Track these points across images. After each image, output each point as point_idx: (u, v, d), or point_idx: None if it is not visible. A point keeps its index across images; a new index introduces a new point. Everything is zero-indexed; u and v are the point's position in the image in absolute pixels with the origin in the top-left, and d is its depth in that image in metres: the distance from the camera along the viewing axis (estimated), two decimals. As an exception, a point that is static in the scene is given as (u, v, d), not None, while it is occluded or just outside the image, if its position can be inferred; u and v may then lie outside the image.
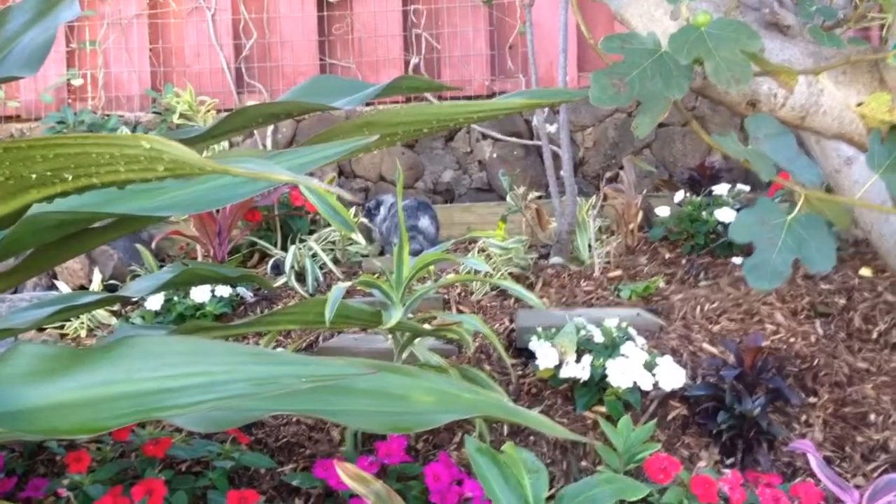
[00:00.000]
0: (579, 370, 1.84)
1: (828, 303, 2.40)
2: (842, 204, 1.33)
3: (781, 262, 1.21)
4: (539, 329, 1.99)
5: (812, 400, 2.03)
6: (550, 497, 1.44)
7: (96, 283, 3.04)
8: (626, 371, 1.80)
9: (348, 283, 1.78)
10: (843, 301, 2.40)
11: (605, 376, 1.82)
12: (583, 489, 1.41)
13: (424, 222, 3.09)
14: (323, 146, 0.97)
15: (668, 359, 1.87)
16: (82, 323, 2.84)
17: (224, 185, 0.99)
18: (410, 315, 2.07)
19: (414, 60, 4.41)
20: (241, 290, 2.82)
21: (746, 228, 1.23)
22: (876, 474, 1.83)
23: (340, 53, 4.51)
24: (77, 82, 4.57)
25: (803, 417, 1.97)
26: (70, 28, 4.61)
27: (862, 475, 1.84)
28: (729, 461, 1.84)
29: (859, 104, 1.26)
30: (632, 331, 1.97)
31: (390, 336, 1.96)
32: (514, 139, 4.21)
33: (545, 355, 1.87)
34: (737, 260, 2.74)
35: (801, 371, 2.11)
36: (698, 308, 2.38)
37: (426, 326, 1.92)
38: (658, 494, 1.51)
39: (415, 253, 2.60)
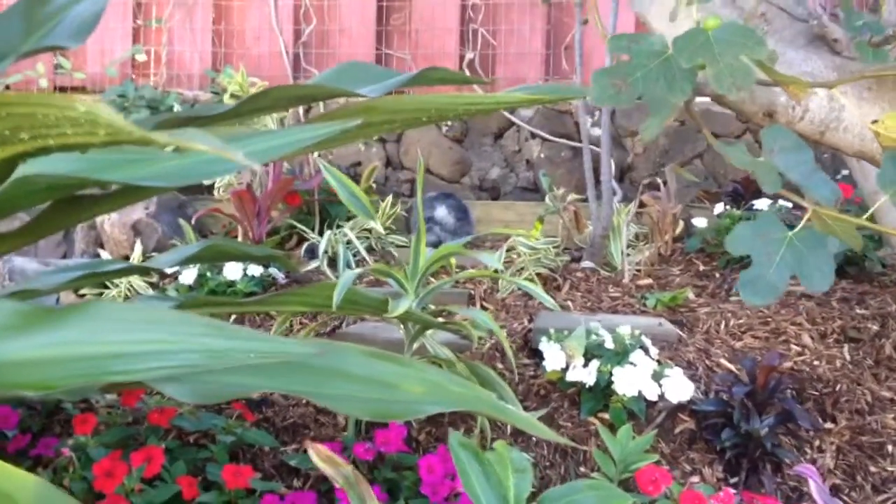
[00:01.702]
0: (586, 375, 1.82)
1: (860, 328, 2.33)
2: (854, 224, 1.29)
3: (778, 277, 1.18)
4: (552, 331, 1.98)
5: (829, 426, 1.98)
6: (534, 498, 1.43)
7: (137, 254, 3.11)
8: (632, 379, 1.77)
9: (359, 270, 1.79)
10: (876, 327, 2.33)
11: (611, 383, 1.80)
12: (566, 493, 1.39)
13: (441, 212, 3.07)
14: (300, 128, 0.98)
15: (677, 371, 1.84)
16: (120, 291, 2.92)
17: (214, 160, 1.00)
18: (425, 307, 2.07)
19: (469, 56, 4.41)
20: (273, 270, 2.86)
21: (744, 241, 1.20)
22: (886, 506, 1.78)
23: (397, 44, 4.53)
24: (141, 58, 4.68)
25: (817, 442, 1.91)
26: (138, 4, 4.72)
27: (872, 506, 1.79)
28: (733, 480, 1.80)
29: (874, 121, 1.22)
30: (645, 340, 1.95)
31: (401, 326, 1.97)
32: (563, 140, 4.18)
33: (553, 357, 1.86)
34: (772, 277, 2.67)
35: (822, 395, 2.06)
36: (723, 323, 2.33)
37: (439, 320, 1.92)
38: (647, 506, 1.49)
39: (432, 244, 2.60)
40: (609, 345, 1.87)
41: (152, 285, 2.98)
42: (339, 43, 4.55)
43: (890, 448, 1.93)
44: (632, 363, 1.81)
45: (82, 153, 0.73)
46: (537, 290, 1.97)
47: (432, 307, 2.29)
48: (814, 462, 1.86)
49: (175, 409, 1.74)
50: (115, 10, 4.72)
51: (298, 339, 2.12)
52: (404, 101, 1.21)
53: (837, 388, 2.07)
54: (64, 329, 0.80)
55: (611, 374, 1.80)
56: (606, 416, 1.86)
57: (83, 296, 2.95)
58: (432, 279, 2.35)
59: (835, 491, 1.82)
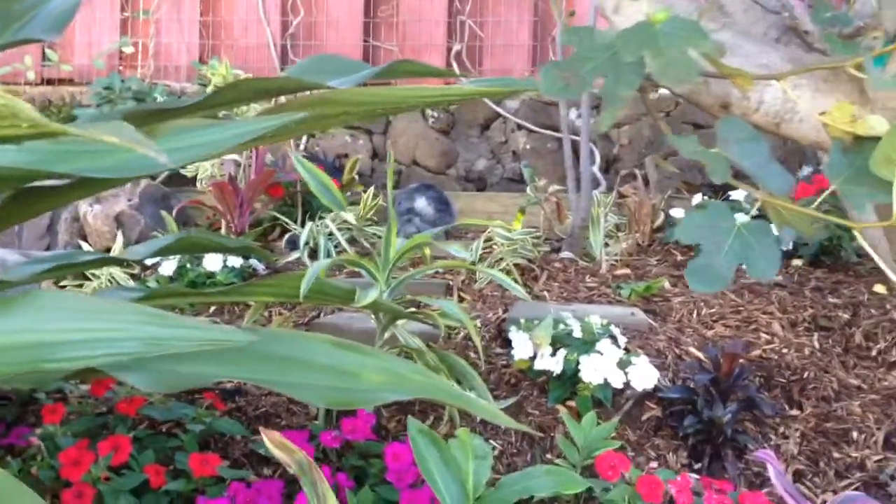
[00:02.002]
0: (553, 363, 1.84)
1: (831, 317, 2.36)
2: (807, 215, 1.31)
3: (725, 266, 1.20)
4: (522, 320, 2.00)
5: (794, 412, 2.00)
6: (494, 483, 1.45)
7: (118, 246, 3.13)
8: (598, 367, 1.80)
9: (328, 261, 1.81)
10: (847, 316, 2.36)
11: (577, 371, 1.82)
12: (523, 478, 1.42)
13: (420, 203, 3.09)
14: (241, 122, 1.00)
15: (643, 359, 1.86)
16: (101, 283, 2.93)
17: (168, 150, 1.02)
18: (398, 298, 2.09)
19: (456, 47, 4.42)
20: (253, 261, 2.88)
21: (695, 230, 1.22)
22: (847, 492, 1.80)
23: (384, 36, 4.54)
24: (128, 50, 4.69)
25: (781, 429, 1.94)
26: (126, -4, 4.73)
27: (832, 491, 1.81)
28: (697, 466, 1.82)
29: (822, 113, 1.24)
30: (614, 329, 1.97)
31: (373, 316, 1.99)
32: (548, 132, 4.19)
33: (521, 346, 1.88)
34: (747, 267, 2.69)
35: (790, 383, 2.08)
36: (696, 312, 2.36)
37: (409, 310, 1.94)
38: (604, 492, 1.51)
39: (410, 235, 2.62)
40: (577, 334, 1.89)
41: (133, 276, 3.00)
42: (326, 35, 4.56)
43: (855, 435, 1.95)
44: (598, 352, 1.83)
45: (17, 145, 0.75)
46: (508, 280, 1.99)
47: (410, 297, 2.31)
48: (777, 448, 1.88)
49: (144, 399, 1.76)
50: (103, 2, 4.73)
51: (270, 327, 2.14)
52: (359, 93, 1.23)
53: (805, 375, 2.10)
54: (8, 318, 0.81)
55: (577, 363, 1.82)
56: (574, 403, 1.88)
57: (64, 287, 2.97)
58: (411, 268, 2.37)
59: (798, 476, 1.85)
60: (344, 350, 1.40)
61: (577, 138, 3.21)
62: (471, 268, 2.17)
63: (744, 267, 1.20)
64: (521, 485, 1.41)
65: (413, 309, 2.00)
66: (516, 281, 2.64)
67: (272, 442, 1.18)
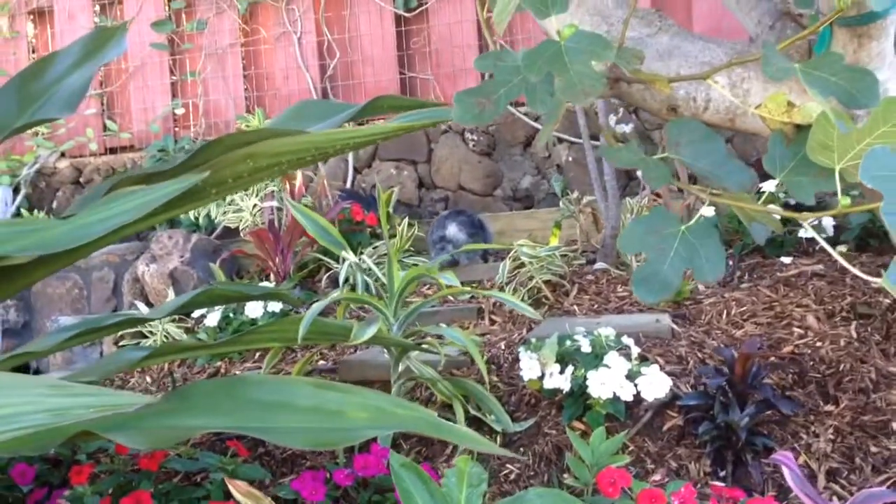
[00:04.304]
0: (562, 381, 1.82)
1: (871, 303, 2.25)
2: (759, 210, 1.27)
3: (672, 273, 1.18)
4: (533, 340, 1.99)
5: (829, 408, 1.92)
6: (486, 511, 1.45)
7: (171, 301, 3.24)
8: (605, 381, 1.77)
9: (327, 301, 1.84)
10: (888, 301, 2.25)
11: (586, 387, 1.80)
12: (514, 503, 1.41)
13: (452, 230, 3.10)
14: (147, 191, 1.04)
15: (654, 368, 1.82)
16: (156, 339, 3.05)
17: (91, 223, 1.07)
18: (412, 331, 2.11)
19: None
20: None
21: (636, 239, 1.20)
22: (884, 487, 1.71)
23: (419, 66, 4.60)
24: (180, 111, 4.89)
25: (813, 427, 1.86)
26: (173, 61, 4.93)
27: (868, 488, 1.73)
28: (722, 474, 1.77)
29: (758, 106, 1.21)
30: (627, 339, 1.93)
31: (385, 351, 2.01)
32: (593, 142, 4.14)
33: (528, 366, 1.87)
34: (786, 259, 2.61)
35: (825, 377, 2.00)
36: (725, 312, 2.29)
37: (411, 341, 1.95)
38: (605, 509, 1.49)
39: (446, 262, 2.64)
40: (586, 349, 1.87)
41: (187, 330, 3.11)
42: (363, 72, 4.65)
43: (894, 426, 1.86)
44: (606, 365, 1.80)
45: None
46: (516, 301, 1.98)
47: (419, 327, 2.32)
48: (809, 447, 1.81)
49: (166, 453, 1.82)
50: (153, 69, 4.95)
51: (247, 372, 2.19)
52: (284, 144, 1.26)
53: (840, 367, 2.01)
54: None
55: (585, 378, 1.80)
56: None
57: (123, 346, 3.11)
58: (413, 301, 2.39)
59: (831, 475, 1.77)
60: (326, 390, 1.43)
61: (597, 143, 3.18)
62: (476, 292, 2.16)
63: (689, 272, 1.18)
64: (511, 510, 1.39)
65: (421, 339, 2.02)
66: (547, 298, 2.64)
67: (238, 491, 1.21)
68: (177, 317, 3.07)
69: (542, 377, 1.86)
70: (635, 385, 1.78)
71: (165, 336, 3.07)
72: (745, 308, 2.30)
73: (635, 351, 1.92)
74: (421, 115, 1.50)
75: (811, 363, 2.04)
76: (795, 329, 2.16)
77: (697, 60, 1.35)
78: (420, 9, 4.55)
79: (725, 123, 1.38)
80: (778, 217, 1.30)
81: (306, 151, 1.27)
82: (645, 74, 1.17)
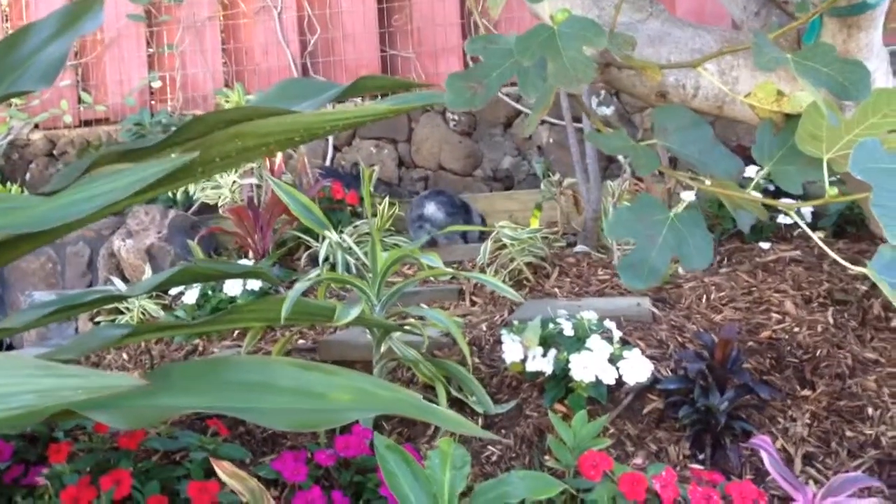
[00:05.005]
0: (545, 364, 1.83)
1: (847, 289, 2.28)
2: (747, 198, 1.27)
3: (660, 260, 1.18)
4: (515, 322, 1.99)
5: (806, 393, 1.94)
6: (466, 494, 1.45)
7: (147, 278, 3.22)
8: (588, 365, 1.78)
9: (310, 282, 1.83)
10: (865, 287, 2.28)
11: (569, 370, 1.80)
12: (496, 486, 1.42)
13: (430, 209, 3.09)
14: (135, 169, 1.02)
15: (636, 352, 1.83)
16: (133, 315, 3.03)
17: (78, 201, 1.05)
18: (394, 311, 2.11)
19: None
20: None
21: (625, 225, 1.20)
22: (859, 471, 1.74)
23: (400, 44, 4.56)
24: (157, 84, 4.82)
25: (790, 412, 1.89)
26: (150, 33, 4.86)
27: (844, 472, 1.75)
28: (701, 457, 1.79)
29: (747, 95, 1.21)
30: (609, 323, 1.94)
31: (367, 332, 2.01)
32: (576, 124, 4.14)
33: (511, 349, 1.87)
34: (765, 245, 2.63)
35: (802, 362, 2.03)
36: (705, 297, 2.31)
37: (393, 322, 1.95)
38: (586, 492, 1.50)
39: (425, 242, 2.63)
40: (568, 332, 1.88)
41: (165, 307, 3.09)
42: (343, 49, 4.61)
43: (870, 411, 1.89)
44: (588, 349, 1.81)
45: None
46: (497, 283, 1.99)
47: (400, 308, 2.32)
48: (786, 431, 1.84)
49: (145, 432, 1.81)
50: (130, 41, 4.88)
51: (234, 353, 2.18)
52: (273, 124, 1.24)
53: (818, 353, 2.03)
54: None
55: (567, 362, 1.81)
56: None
57: (98, 323, 3.08)
58: (396, 281, 2.38)
59: (808, 459, 1.79)
60: (309, 371, 1.43)
61: (579, 125, 3.18)
62: (458, 274, 2.16)
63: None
64: (496, 492, 1.40)
65: (403, 321, 2.02)
66: (528, 280, 2.64)
67: (224, 472, 1.20)
68: (154, 293, 3.04)
69: (524, 360, 1.87)
70: (617, 368, 1.79)
71: (142, 312, 3.04)
72: (724, 293, 2.32)
73: (617, 335, 1.93)
74: (411, 97, 1.49)
75: (788, 348, 2.06)
76: (773, 314, 2.19)
77: (688, 47, 1.35)
78: (402, -14, 4.51)
79: (714, 111, 1.38)
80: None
81: (295, 132, 1.25)
82: (637, 61, 1.17)
